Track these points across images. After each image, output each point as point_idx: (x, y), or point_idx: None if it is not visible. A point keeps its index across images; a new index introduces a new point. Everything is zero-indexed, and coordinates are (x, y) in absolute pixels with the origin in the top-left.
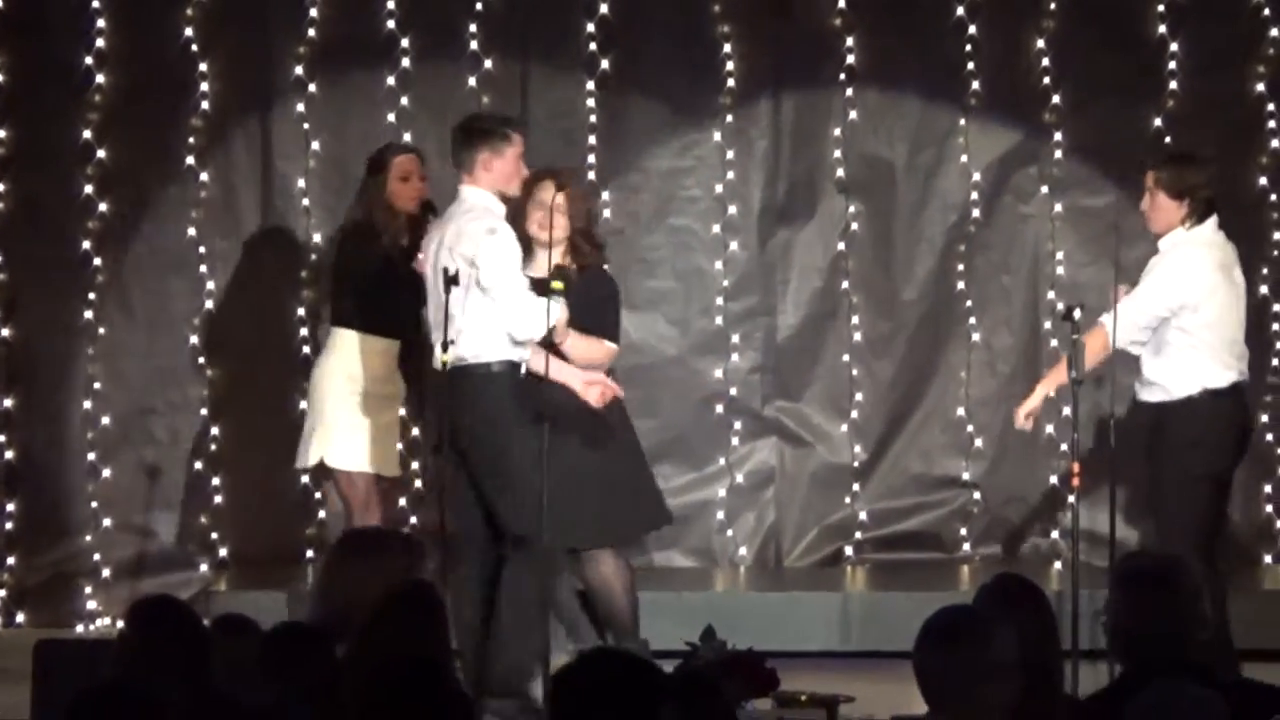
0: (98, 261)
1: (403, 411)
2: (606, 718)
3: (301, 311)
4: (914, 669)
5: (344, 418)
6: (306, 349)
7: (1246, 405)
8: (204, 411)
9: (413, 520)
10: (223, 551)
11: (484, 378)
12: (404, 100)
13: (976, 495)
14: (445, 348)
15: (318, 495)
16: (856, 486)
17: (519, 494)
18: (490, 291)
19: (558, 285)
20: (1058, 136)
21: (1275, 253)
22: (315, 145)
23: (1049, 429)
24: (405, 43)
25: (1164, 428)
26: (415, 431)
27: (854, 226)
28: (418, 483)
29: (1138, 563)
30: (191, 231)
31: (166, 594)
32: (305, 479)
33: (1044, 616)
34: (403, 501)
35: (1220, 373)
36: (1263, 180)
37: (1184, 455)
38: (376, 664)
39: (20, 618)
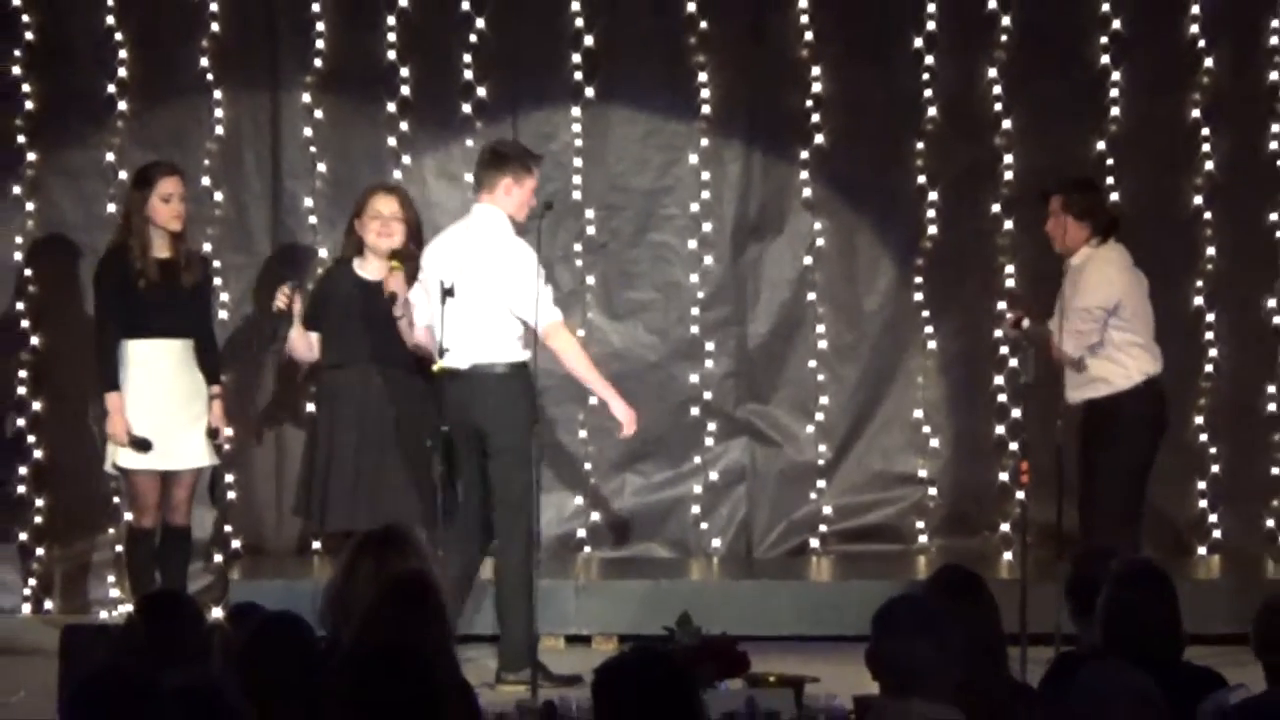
0: None
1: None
2: (646, 709)
3: None
4: (866, 654)
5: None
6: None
7: (1165, 392)
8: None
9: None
10: (236, 543)
11: (498, 377)
12: (403, 125)
13: (932, 491)
14: (442, 354)
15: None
16: (821, 483)
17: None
18: (512, 294)
19: (395, 264)
20: (1008, 159)
21: (1209, 266)
22: (321, 166)
23: (999, 429)
24: (404, 72)
25: (1114, 418)
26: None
27: (820, 242)
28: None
29: (1136, 563)
30: (207, 246)
31: (173, 588)
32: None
33: (986, 604)
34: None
35: (1154, 362)
36: (1197, 199)
37: (1134, 440)
38: (373, 652)
39: (49, 604)
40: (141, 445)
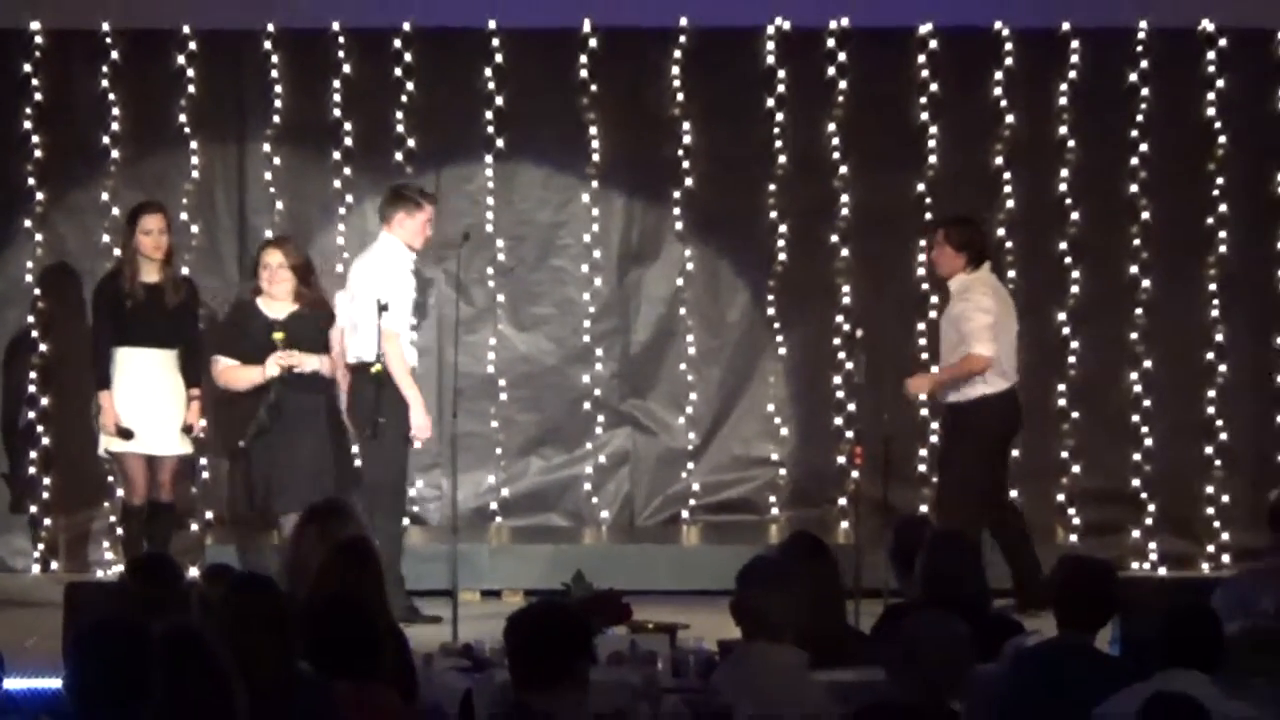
0: None
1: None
2: (549, 650)
3: None
4: (730, 605)
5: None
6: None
7: (1016, 401)
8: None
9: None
10: (209, 515)
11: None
12: (347, 170)
13: (783, 471)
14: (378, 359)
15: None
16: (691, 465)
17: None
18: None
19: (279, 336)
20: (845, 198)
21: (1010, 288)
22: (279, 205)
23: (837, 420)
24: (348, 126)
25: (961, 422)
26: None
27: (689, 266)
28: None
29: (947, 530)
30: (185, 270)
31: (159, 552)
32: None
33: (828, 564)
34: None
35: (1002, 380)
36: (1000, 231)
37: (976, 443)
38: (325, 603)
39: (55, 565)
40: (125, 434)
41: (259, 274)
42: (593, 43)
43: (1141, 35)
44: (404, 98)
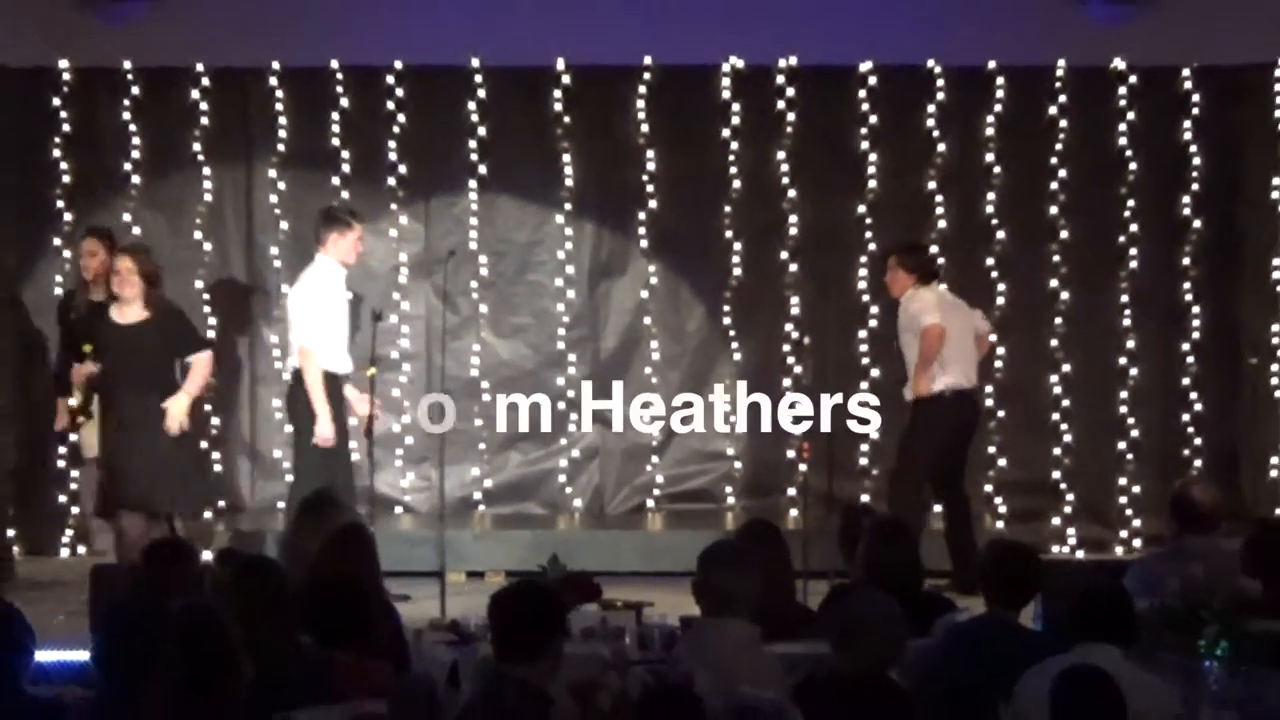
0: None
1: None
2: (528, 626)
3: (274, 339)
4: (691, 585)
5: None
6: (279, 365)
7: (973, 402)
8: (207, 408)
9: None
10: (221, 503)
11: (292, 380)
12: (345, 194)
13: (738, 464)
14: (374, 361)
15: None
16: (655, 458)
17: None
18: (309, 320)
19: (88, 348)
20: (793, 219)
21: None
22: (284, 225)
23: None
24: (345, 154)
25: (916, 416)
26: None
27: (653, 280)
28: None
29: (886, 519)
30: (199, 284)
31: (175, 536)
32: (278, 453)
33: (780, 547)
34: None
35: (958, 377)
36: (933, 249)
37: (928, 435)
38: (324, 583)
39: (81, 549)
40: (60, 438)
41: (110, 279)
42: (566, 79)
43: (1060, 73)
44: (396, 129)
